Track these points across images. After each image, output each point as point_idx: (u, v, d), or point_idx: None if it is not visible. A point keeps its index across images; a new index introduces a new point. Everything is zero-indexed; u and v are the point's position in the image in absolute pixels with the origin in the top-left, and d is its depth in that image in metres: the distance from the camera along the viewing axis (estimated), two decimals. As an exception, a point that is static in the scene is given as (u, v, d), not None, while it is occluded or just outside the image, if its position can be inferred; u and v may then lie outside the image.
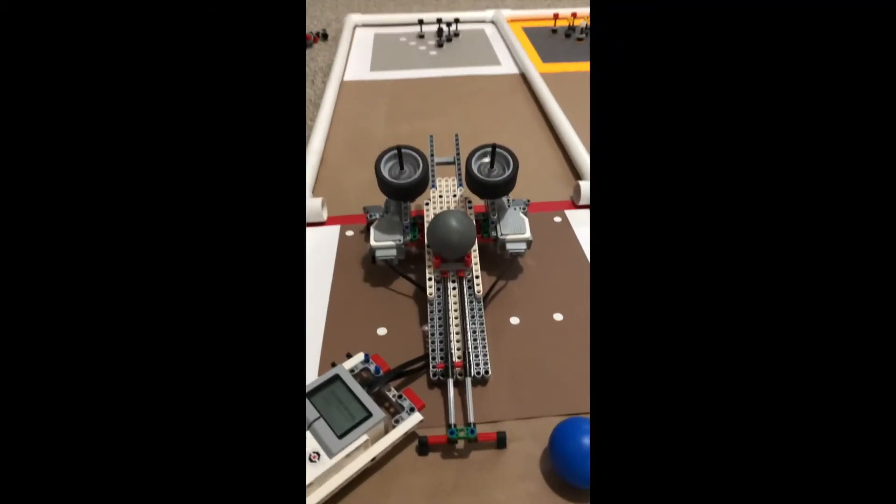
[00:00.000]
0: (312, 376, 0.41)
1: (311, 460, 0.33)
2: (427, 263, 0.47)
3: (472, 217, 0.49)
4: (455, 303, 0.45)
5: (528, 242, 0.49)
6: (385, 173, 0.47)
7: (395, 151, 0.48)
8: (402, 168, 0.48)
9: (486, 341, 0.42)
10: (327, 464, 0.32)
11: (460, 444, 0.37)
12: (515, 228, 0.49)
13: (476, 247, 0.47)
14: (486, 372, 0.40)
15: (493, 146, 0.48)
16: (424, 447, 0.36)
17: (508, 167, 0.48)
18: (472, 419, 0.37)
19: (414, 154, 0.48)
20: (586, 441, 0.33)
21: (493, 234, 0.49)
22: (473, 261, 0.47)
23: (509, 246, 0.49)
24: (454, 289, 0.46)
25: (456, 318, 0.44)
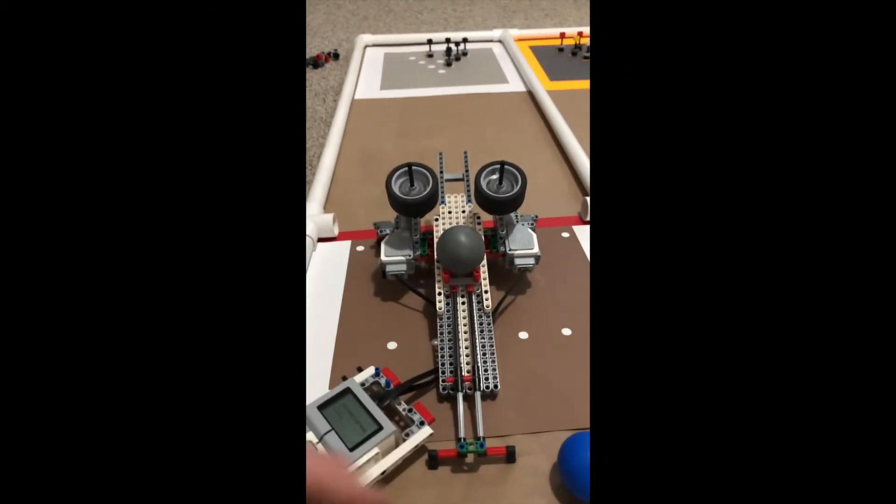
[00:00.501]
0: (323, 389, 0.41)
1: (322, 473, 0.33)
2: (437, 278, 0.47)
3: (481, 233, 0.50)
4: (464, 317, 0.45)
5: (537, 257, 0.49)
6: (396, 190, 0.48)
7: (406, 168, 0.49)
8: (412, 185, 0.49)
9: (496, 355, 0.43)
10: (338, 476, 0.33)
11: (470, 458, 0.37)
12: (523, 244, 0.49)
13: (485, 262, 0.48)
14: (496, 386, 0.41)
15: (502, 163, 0.49)
16: (434, 461, 0.36)
17: (517, 184, 0.49)
18: (481, 433, 0.37)
19: (424, 171, 0.49)
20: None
21: (502, 249, 0.50)
22: (482, 276, 0.47)
23: (518, 261, 0.49)
24: (463, 303, 0.46)
25: (465, 332, 0.44)
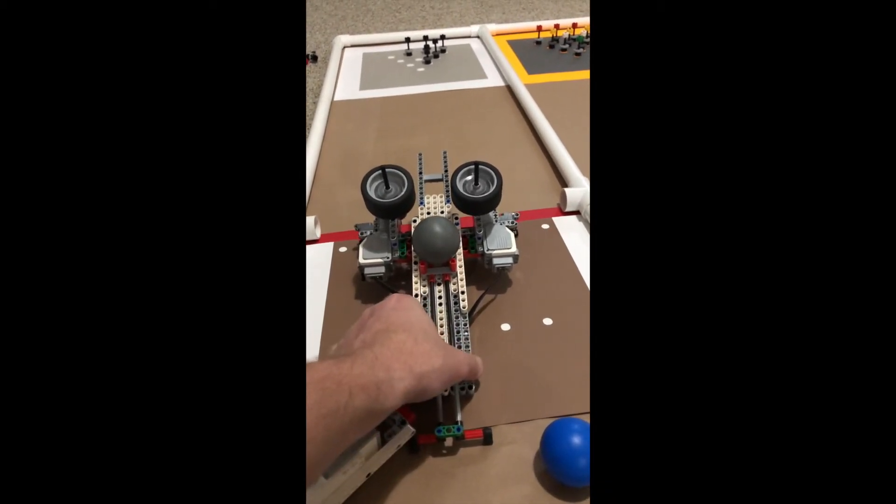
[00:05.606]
0: (307, 395, 0.42)
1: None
2: (413, 269, 0.48)
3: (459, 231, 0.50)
4: (441, 315, 0.45)
5: (515, 257, 0.50)
6: (371, 193, 0.49)
7: (380, 171, 0.49)
8: (387, 187, 0.49)
9: (472, 350, 0.43)
10: (323, 483, 0.33)
11: (448, 442, 0.38)
12: (501, 243, 0.50)
13: (462, 254, 0.48)
14: (471, 387, 0.41)
15: (476, 164, 0.49)
16: (414, 445, 0.37)
17: (493, 183, 0.49)
18: (459, 418, 0.38)
19: (399, 173, 0.49)
20: (576, 440, 0.34)
21: (480, 249, 0.50)
22: (458, 265, 0.47)
23: (496, 261, 0.49)
24: (440, 295, 0.46)
25: (442, 324, 0.44)
